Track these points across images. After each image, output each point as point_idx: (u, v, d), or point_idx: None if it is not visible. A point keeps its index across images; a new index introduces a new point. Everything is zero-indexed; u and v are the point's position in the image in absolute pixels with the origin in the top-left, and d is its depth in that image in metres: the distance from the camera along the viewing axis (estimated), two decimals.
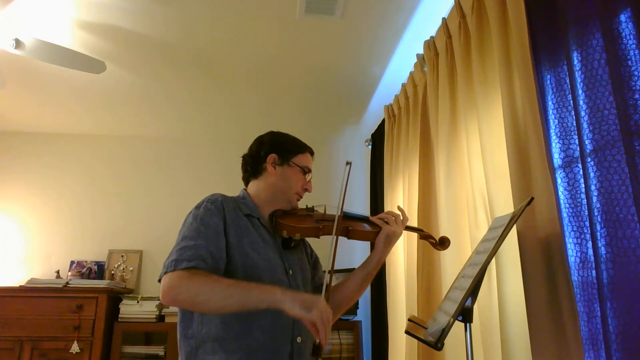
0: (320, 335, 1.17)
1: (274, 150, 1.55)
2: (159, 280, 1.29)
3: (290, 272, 1.46)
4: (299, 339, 1.39)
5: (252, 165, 1.57)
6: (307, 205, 1.60)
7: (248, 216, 1.48)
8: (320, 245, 1.73)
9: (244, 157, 1.61)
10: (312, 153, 1.63)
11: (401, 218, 1.57)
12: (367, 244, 3.20)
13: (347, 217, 1.56)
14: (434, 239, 1.65)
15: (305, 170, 1.57)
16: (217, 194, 1.48)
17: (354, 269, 1.64)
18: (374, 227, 1.58)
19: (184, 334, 1.37)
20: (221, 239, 1.37)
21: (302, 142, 1.62)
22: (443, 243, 1.63)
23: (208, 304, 1.25)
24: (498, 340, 1.49)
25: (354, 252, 3.55)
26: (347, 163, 1.45)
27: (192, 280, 1.25)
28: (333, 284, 1.61)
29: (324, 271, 1.51)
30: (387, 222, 1.54)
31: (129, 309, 3.28)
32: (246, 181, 1.61)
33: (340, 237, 1.45)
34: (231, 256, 1.37)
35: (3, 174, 3.82)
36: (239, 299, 1.24)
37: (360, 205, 3.61)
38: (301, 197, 1.58)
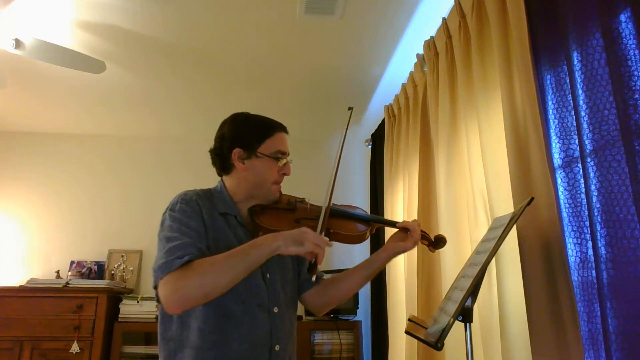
0: (319, 259, 1.19)
1: (236, 145, 1.40)
2: (155, 287, 1.21)
3: (268, 275, 1.37)
4: (277, 347, 1.33)
5: (220, 163, 1.45)
6: (289, 200, 1.46)
7: (223, 215, 1.38)
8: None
9: (211, 153, 1.49)
10: (283, 130, 1.45)
11: (415, 233, 1.44)
12: (367, 244, 3.19)
13: (334, 214, 1.38)
14: (427, 239, 1.50)
15: (278, 157, 1.41)
16: (190, 191, 1.38)
17: None
18: (365, 225, 1.48)
19: (163, 336, 1.32)
20: (203, 241, 1.28)
21: (268, 123, 1.45)
22: (437, 244, 1.49)
23: (218, 286, 1.18)
24: (498, 340, 1.49)
25: (353, 252, 3.55)
26: (349, 108, 1.36)
27: (189, 274, 1.17)
28: (329, 276, 1.58)
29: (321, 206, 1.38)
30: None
31: (129, 309, 3.28)
32: (220, 177, 1.50)
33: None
34: None
35: (3, 174, 3.82)
36: (243, 264, 1.19)
37: (360, 205, 3.60)
38: (280, 183, 1.44)
